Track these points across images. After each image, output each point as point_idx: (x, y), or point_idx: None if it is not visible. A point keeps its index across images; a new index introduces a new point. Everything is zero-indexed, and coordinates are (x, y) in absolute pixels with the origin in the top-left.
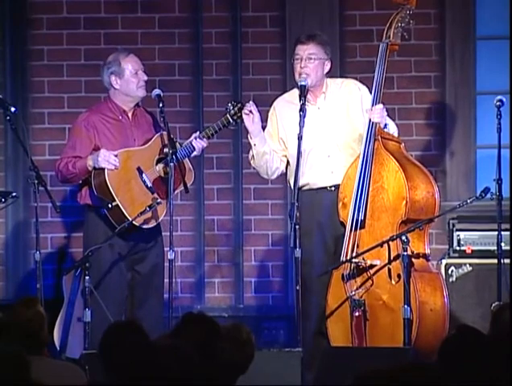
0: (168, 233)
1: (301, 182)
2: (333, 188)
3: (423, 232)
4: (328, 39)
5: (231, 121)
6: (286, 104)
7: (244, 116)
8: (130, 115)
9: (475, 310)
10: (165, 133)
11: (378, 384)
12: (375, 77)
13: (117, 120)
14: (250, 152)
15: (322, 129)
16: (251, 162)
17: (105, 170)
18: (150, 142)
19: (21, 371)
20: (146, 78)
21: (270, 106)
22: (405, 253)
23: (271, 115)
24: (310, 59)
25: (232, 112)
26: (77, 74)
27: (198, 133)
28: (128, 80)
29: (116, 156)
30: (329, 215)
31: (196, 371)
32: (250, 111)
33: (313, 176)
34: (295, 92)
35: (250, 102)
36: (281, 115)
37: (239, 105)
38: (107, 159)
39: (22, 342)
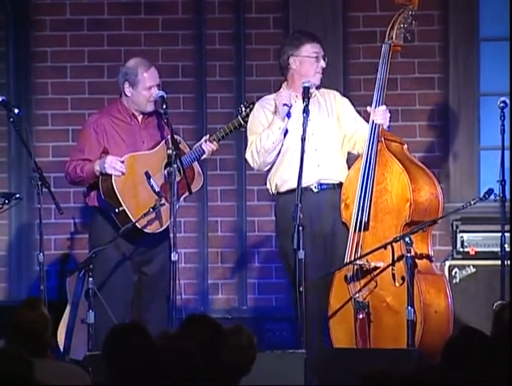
0: (172, 235)
1: (286, 178)
2: (318, 189)
3: (427, 234)
4: None
5: (242, 123)
6: (273, 102)
7: (280, 108)
8: (139, 118)
9: (478, 312)
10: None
11: (384, 385)
12: (378, 78)
13: (126, 122)
14: (266, 136)
15: (309, 124)
16: (267, 149)
17: (112, 176)
18: (158, 147)
19: (23, 370)
20: (156, 93)
21: None
22: (408, 255)
23: (263, 108)
24: (324, 59)
25: (244, 113)
26: (81, 75)
27: (208, 136)
28: (139, 93)
29: (122, 162)
30: (316, 215)
31: (199, 372)
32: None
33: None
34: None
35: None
36: (270, 110)
37: (251, 106)
38: (113, 166)
39: (25, 343)
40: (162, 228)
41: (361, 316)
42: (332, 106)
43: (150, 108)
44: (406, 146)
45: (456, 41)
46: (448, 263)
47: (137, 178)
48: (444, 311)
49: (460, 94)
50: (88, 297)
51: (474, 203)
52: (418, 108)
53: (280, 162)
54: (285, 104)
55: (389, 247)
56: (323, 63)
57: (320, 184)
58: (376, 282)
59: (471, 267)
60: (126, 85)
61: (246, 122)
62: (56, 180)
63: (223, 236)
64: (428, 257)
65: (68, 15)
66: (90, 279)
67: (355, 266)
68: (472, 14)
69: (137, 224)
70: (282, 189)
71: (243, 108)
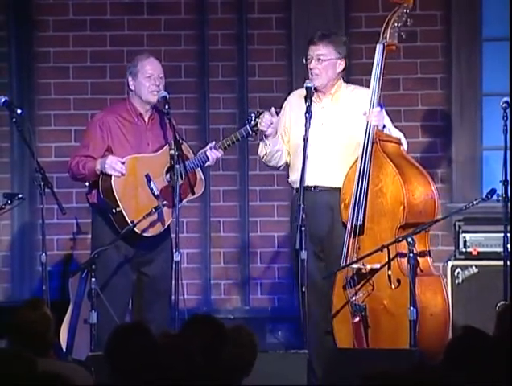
0: (174, 235)
1: (293, 178)
2: (315, 190)
3: (424, 235)
4: (344, 37)
5: (251, 132)
6: (298, 98)
7: (262, 126)
8: (146, 118)
9: (481, 312)
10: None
11: (385, 385)
12: (372, 79)
13: (132, 122)
14: (262, 149)
15: (321, 129)
16: (262, 158)
17: (112, 176)
18: (161, 150)
19: (26, 370)
20: (158, 83)
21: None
22: (411, 255)
23: (285, 104)
24: (319, 60)
25: (253, 123)
26: (83, 76)
27: (214, 143)
28: (140, 82)
29: (123, 163)
30: (311, 214)
31: (201, 372)
32: (272, 122)
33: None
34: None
35: (272, 111)
36: (292, 106)
37: (261, 117)
38: (113, 166)
39: (28, 343)
40: (159, 232)
41: (356, 319)
42: (356, 108)
43: (152, 98)
44: (402, 146)
45: (459, 41)
46: (450, 263)
47: (138, 180)
48: (441, 313)
49: (463, 94)
50: (91, 297)
51: (477, 204)
52: (420, 108)
53: (292, 164)
54: (264, 129)
55: (385, 249)
56: (309, 64)
57: (318, 186)
58: (373, 285)
59: (473, 267)
60: (130, 78)
61: (255, 132)
62: (59, 180)
63: (225, 236)
64: (426, 259)
65: (70, 15)
66: (93, 279)
67: (352, 269)
68: (475, 14)
69: (136, 229)
70: (295, 187)
71: (253, 117)
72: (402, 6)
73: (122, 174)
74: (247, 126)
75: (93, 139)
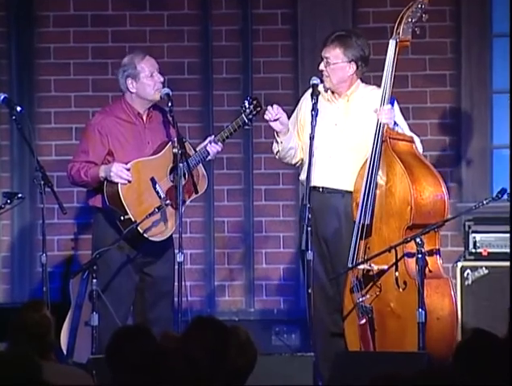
0: (178, 235)
1: (303, 177)
2: (324, 191)
3: (434, 235)
4: (360, 40)
5: (246, 121)
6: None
7: (271, 123)
8: (144, 117)
9: (491, 313)
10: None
11: None
12: (384, 76)
13: (130, 122)
14: (275, 146)
15: (334, 129)
16: (276, 154)
17: (119, 184)
18: (163, 150)
19: (32, 373)
20: (162, 79)
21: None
22: (419, 255)
23: (302, 99)
24: (327, 63)
25: (247, 111)
26: (84, 72)
27: (213, 137)
28: (144, 82)
29: (128, 170)
30: (319, 215)
31: (205, 375)
32: (276, 119)
33: (312, 174)
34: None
35: (275, 106)
36: (308, 102)
37: (255, 102)
38: (119, 174)
39: (28, 346)
40: (165, 236)
41: (362, 321)
42: (372, 109)
43: (158, 96)
44: (415, 145)
45: (469, 37)
46: (460, 264)
47: (143, 184)
48: (448, 317)
49: (473, 91)
50: (92, 298)
51: (487, 203)
52: (429, 105)
53: (304, 162)
54: (273, 120)
55: (393, 250)
56: (320, 66)
57: (326, 188)
58: (380, 287)
59: (483, 268)
60: (129, 81)
61: (251, 120)
62: (59, 179)
63: (229, 236)
64: (435, 260)
65: (71, 11)
66: (94, 280)
67: (362, 270)
68: (485, 9)
69: (140, 229)
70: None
71: (247, 105)
72: (417, 1)
73: (129, 182)
74: (242, 115)
75: (93, 144)
